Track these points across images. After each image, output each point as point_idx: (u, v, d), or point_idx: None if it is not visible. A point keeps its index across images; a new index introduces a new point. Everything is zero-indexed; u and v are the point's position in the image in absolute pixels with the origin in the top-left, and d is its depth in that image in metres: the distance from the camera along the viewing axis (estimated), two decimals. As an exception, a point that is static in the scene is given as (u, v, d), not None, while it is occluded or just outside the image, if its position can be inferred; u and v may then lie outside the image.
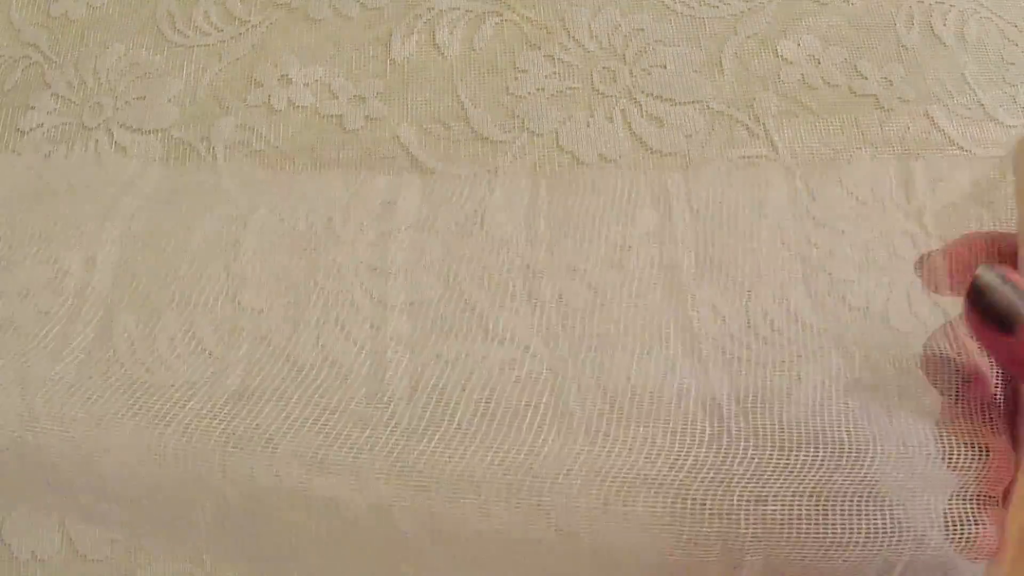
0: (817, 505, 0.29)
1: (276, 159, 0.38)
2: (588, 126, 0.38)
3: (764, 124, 0.38)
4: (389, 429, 0.34)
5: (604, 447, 0.33)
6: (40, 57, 0.42)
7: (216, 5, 0.42)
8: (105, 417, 0.34)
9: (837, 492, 0.30)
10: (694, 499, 0.32)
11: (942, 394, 0.26)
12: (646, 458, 0.32)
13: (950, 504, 0.25)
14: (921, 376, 0.27)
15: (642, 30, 0.40)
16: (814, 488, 0.30)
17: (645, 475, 0.32)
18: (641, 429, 0.33)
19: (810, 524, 0.29)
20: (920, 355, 0.27)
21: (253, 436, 0.34)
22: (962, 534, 0.24)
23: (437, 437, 0.33)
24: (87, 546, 0.34)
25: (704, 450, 0.32)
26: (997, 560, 0.24)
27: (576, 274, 0.34)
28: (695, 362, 0.33)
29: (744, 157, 0.37)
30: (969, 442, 0.25)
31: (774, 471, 0.32)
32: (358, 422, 0.34)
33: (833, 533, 0.28)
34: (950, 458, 0.25)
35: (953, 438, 0.25)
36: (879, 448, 0.30)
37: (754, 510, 0.32)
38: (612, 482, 0.32)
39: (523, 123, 0.38)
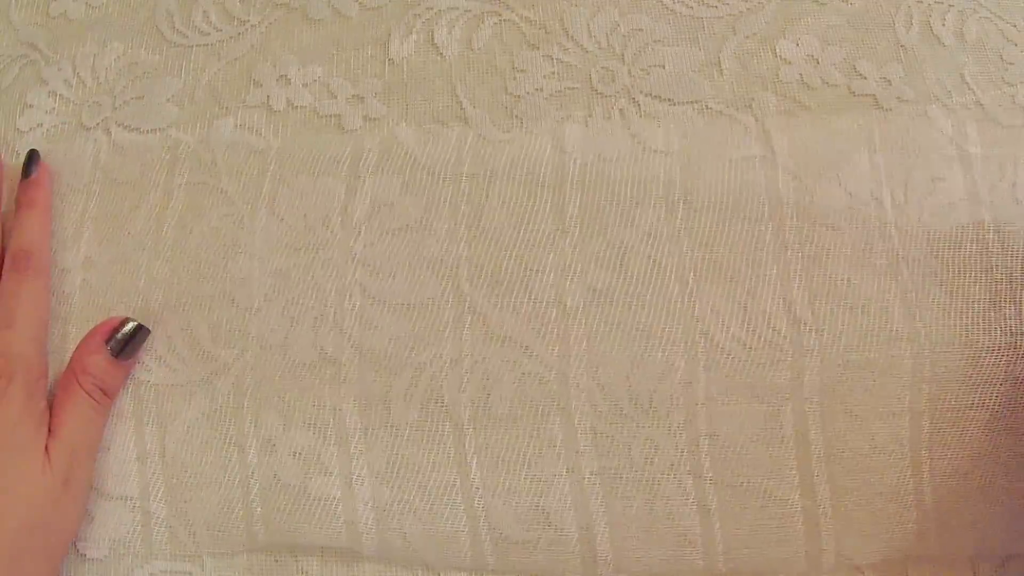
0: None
1: (275, 159, 0.38)
2: (587, 126, 0.38)
3: (763, 124, 0.38)
4: (387, 429, 0.34)
5: (605, 447, 0.33)
6: (38, 56, 0.42)
7: (215, 5, 0.42)
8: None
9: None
10: (692, 499, 0.32)
11: None
12: (646, 458, 0.33)
13: None
14: None
15: (641, 30, 0.40)
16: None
17: (644, 475, 0.32)
18: (640, 429, 0.33)
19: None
20: None
21: (252, 435, 0.34)
22: None
23: (435, 437, 0.33)
24: (87, 545, 0.34)
25: (703, 450, 0.32)
26: None
27: (576, 274, 0.34)
28: (695, 362, 0.33)
29: (743, 157, 0.37)
30: None
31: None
32: (357, 422, 0.34)
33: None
34: None
35: None
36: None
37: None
38: (613, 483, 0.32)
39: (522, 123, 0.38)
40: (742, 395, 0.33)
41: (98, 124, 0.40)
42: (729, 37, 0.39)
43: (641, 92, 0.38)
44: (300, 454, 0.33)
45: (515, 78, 0.39)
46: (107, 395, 0.33)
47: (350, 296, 0.35)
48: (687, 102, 0.38)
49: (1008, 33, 0.39)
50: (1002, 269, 0.34)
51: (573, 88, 0.39)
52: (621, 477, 0.33)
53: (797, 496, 0.32)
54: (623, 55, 0.39)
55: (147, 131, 0.39)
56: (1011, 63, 0.38)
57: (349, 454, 0.33)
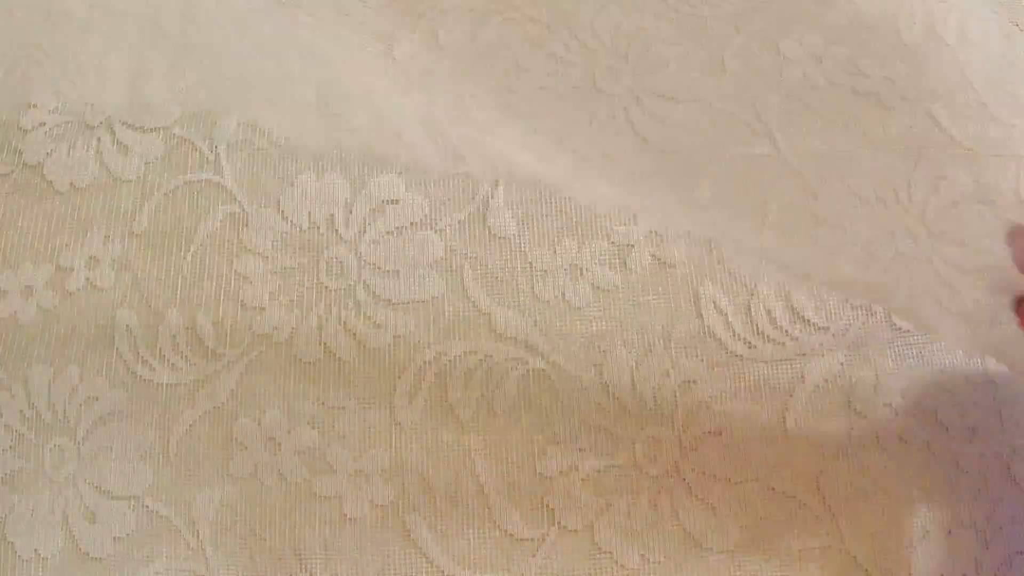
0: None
1: (278, 157, 0.38)
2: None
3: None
4: (390, 427, 0.34)
5: (607, 445, 0.33)
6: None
7: (218, 4, 0.42)
8: (108, 415, 0.35)
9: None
10: (696, 497, 0.32)
11: None
12: (648, 457, 0.33)
13: None
14: None
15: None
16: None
17: (648, 473, 0.32)
18: (644, 427, 0.33)
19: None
20: None
21: (256, 434, 0.34)
22: None
23: (439, 435, 0.33)
24: (89, 544, 0.34)
25: (707, 448, 0.32)
26: None
27: (578, 272, 0.34)
28: (697, 360, 0.33)
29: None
30: None
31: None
32: (360, 420, 0.34)
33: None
34: None
35: None
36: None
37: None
38: (615, 481, 0.32)
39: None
40: (746, 394, 0.33)
41: (101, 123, 0.40)
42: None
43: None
44: (304, 452, 0.33)
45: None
46: None
47: (354, 294, 0.35)
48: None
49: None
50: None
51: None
52: (624, 475, 0.33)
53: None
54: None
55: (150, 129, 0.39)
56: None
57: (353, 452, 0.33)
